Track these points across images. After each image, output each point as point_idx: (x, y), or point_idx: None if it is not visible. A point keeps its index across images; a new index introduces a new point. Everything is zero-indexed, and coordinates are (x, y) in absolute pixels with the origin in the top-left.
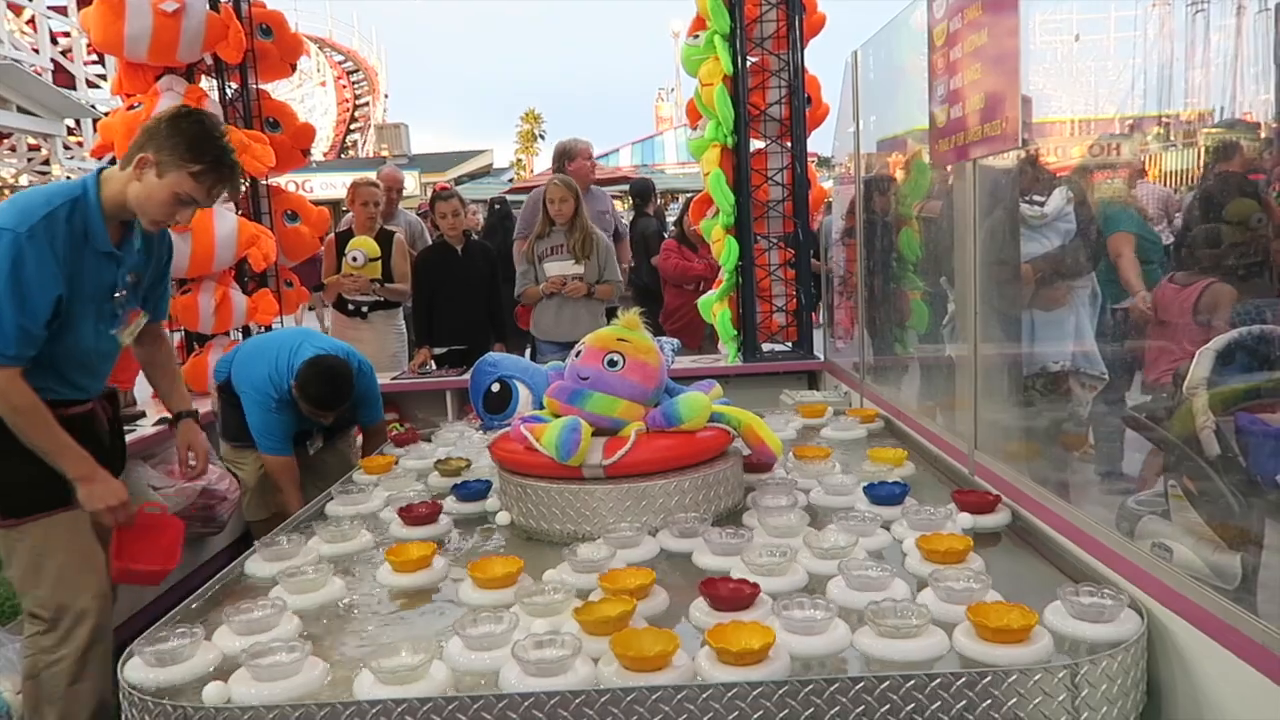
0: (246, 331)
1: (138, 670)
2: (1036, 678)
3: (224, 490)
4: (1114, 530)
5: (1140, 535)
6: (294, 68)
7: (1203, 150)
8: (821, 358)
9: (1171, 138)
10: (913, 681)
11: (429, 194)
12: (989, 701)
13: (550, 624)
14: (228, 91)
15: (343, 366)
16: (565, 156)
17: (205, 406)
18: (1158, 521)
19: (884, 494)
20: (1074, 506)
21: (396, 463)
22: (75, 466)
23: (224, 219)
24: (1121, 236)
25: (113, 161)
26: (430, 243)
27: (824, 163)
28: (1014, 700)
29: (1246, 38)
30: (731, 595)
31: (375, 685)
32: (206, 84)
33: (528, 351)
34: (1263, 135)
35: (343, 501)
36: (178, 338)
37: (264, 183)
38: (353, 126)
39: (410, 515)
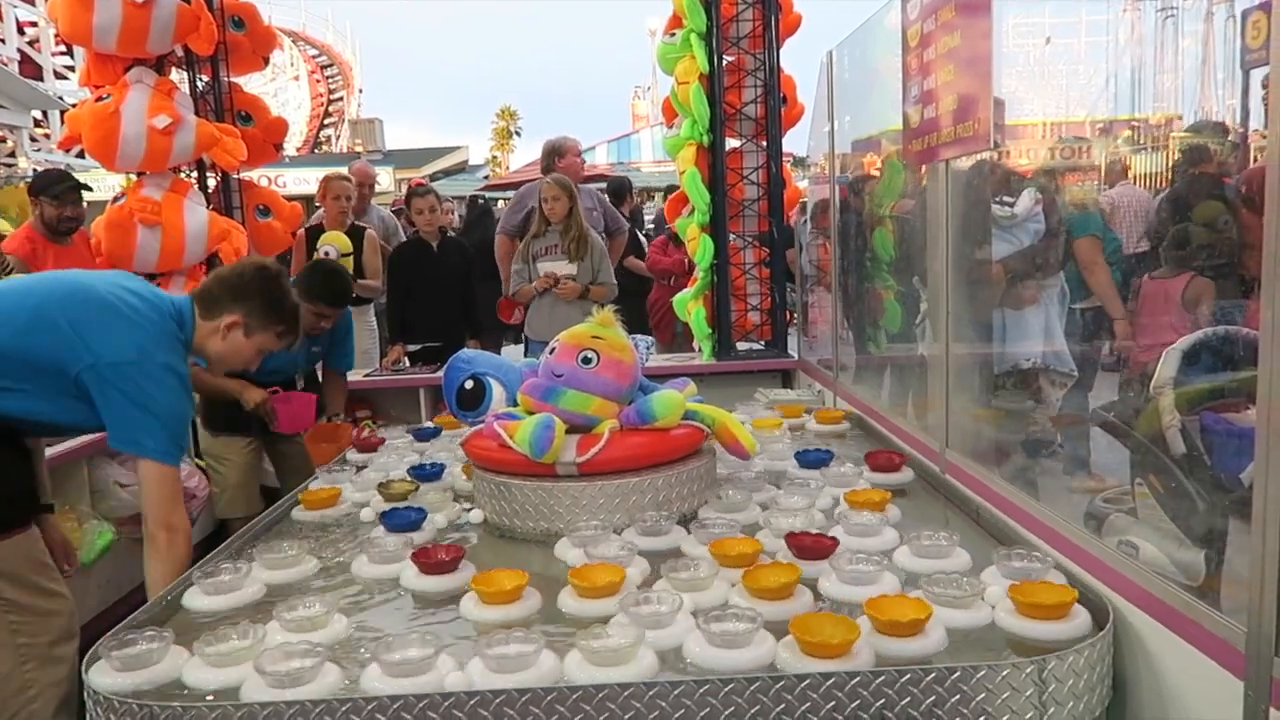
0: None
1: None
2: (1005, 673)
3: (192, 488)
4: (1082, 526)
5: (1107, 532)
6: (267, 61)
7: (1173, 153)
8: (796, 356)
9: (1141, 141)
10: (883, 677)
11: (404, 190)
12: (958, 696)
13: (695, 600)
14: (199, 84)
15: (341, 266)
16: (555, 154)
17: None
18: (1124, 519)
19: (813, 459)
20: (1043, 504)
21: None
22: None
23: (194, 214)
24: (1089, 241)
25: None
26: (404, 239)
27: (799, 162)
28: (983, 695)
29: (1214, 43)
30: (814, 545)
31: (584, 666)
32: (177, 76)
33: (522, 349)
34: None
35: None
36: None
37: (236, 177)
38: (326, 121)
39: (429, 562)
